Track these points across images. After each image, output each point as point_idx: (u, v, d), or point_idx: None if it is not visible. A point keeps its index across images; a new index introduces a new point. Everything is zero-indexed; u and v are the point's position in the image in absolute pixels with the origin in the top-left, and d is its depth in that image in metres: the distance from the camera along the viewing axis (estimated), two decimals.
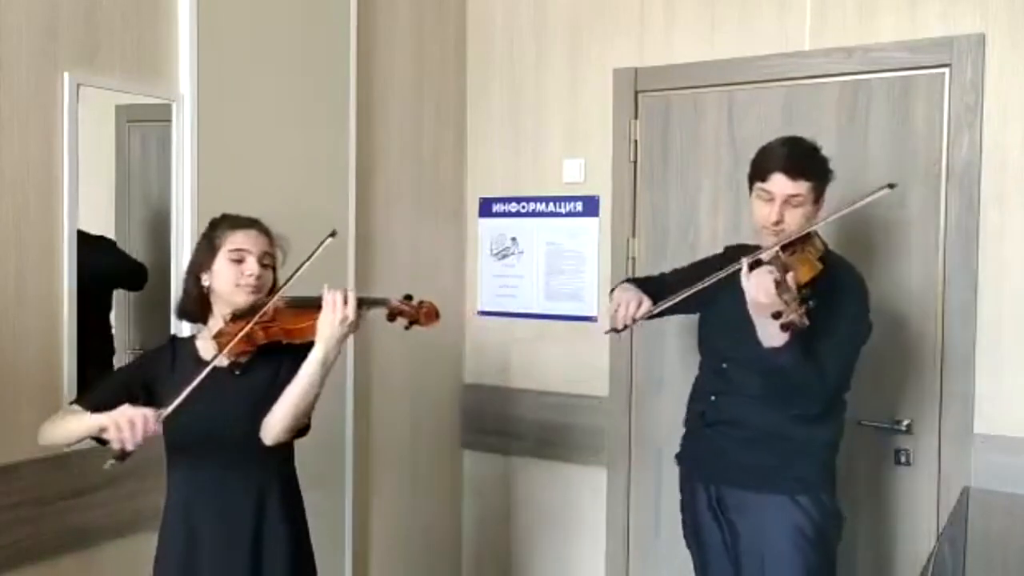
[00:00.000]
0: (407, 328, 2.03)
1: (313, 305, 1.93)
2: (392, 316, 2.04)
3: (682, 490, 2.48)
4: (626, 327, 2.26)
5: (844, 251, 2.66)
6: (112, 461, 1.72)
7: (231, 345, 1.87)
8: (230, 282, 1.94)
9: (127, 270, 2.30)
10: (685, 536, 2.48)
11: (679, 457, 2.49)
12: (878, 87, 2.74)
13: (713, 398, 2.34)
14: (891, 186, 2.09)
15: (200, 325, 2.04)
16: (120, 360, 2.28)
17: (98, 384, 1.97)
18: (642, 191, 3.12)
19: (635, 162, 3.12)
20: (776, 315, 1.97)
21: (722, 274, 2.13)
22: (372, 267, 2.93)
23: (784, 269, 2.02)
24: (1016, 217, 2.56)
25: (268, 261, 1.98)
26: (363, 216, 2.91)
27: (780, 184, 2.16)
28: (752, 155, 2.32)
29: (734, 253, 2.39)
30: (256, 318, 1.88)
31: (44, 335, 2.07)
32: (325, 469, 2.78)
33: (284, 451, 2.02)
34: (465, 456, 3.52)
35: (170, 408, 1.76)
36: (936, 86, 2.66)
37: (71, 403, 1.94)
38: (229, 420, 1.91)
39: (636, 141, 3.12)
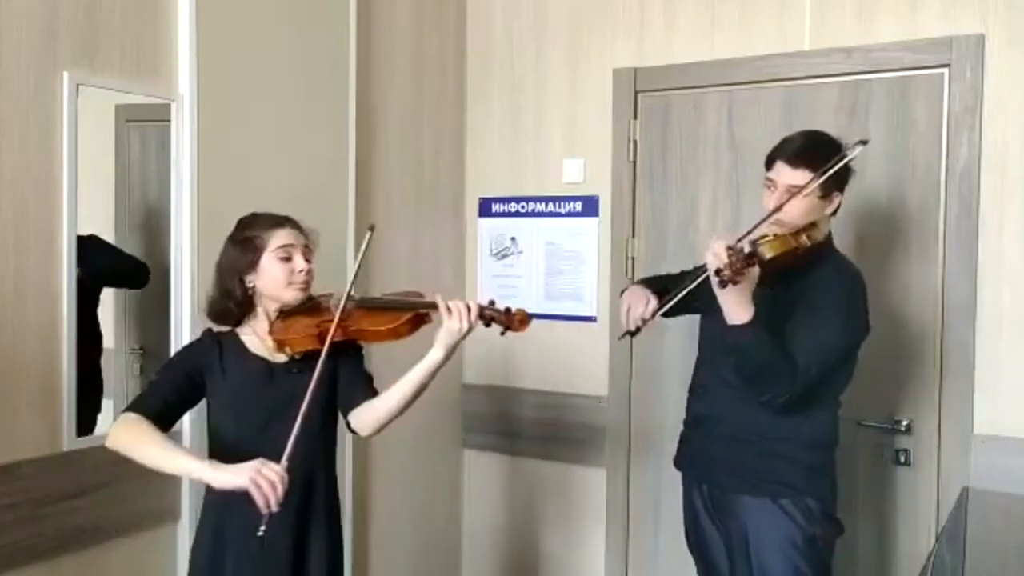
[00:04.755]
0: (502, 334, 2.05)
1: (391, 308, 1.99)
2: (488, 322, 2.05)
3: (683, 496, 2.43)
4: (638, 328, 2.23)
5: (843, 251, 2.67)
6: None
7: (340, 336, 1.92)
8: (281, 280, 1.96)
9: (123, 270, 2.29)
10: (688, 546, 2.43)
11: (675, 461, 2.47)
12: (878, 87, 2.74)
13: (700, 391, 2.33)
14: (863, 142, 2.06)
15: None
16: (107, 360, 2.27)
17: (147, 390, 1.93)
18: (642, 191, 3.12)
19: (635, 162, 3.12)
20: (716, 271, 1.95)
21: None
22: (372, 267, 2.93)
23: (753, 246, 2.02)
24: (1015, 217, 2.56)
25: (309, 255, 2.00)
26: (363, 216, 2.91)
27: (781, 172, 2.12)
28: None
29: None
30: (338, 317, 1.90)
31: (43, 335, 2.07)
32: None
33: (332, 446, 2.07)
34: (465, 456, 3.52)
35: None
36: (936, 86, 2.66)
37: (125, 410, 1.87)
38: (287, 414, 1.88)
39: (636, 141, 3.12)
